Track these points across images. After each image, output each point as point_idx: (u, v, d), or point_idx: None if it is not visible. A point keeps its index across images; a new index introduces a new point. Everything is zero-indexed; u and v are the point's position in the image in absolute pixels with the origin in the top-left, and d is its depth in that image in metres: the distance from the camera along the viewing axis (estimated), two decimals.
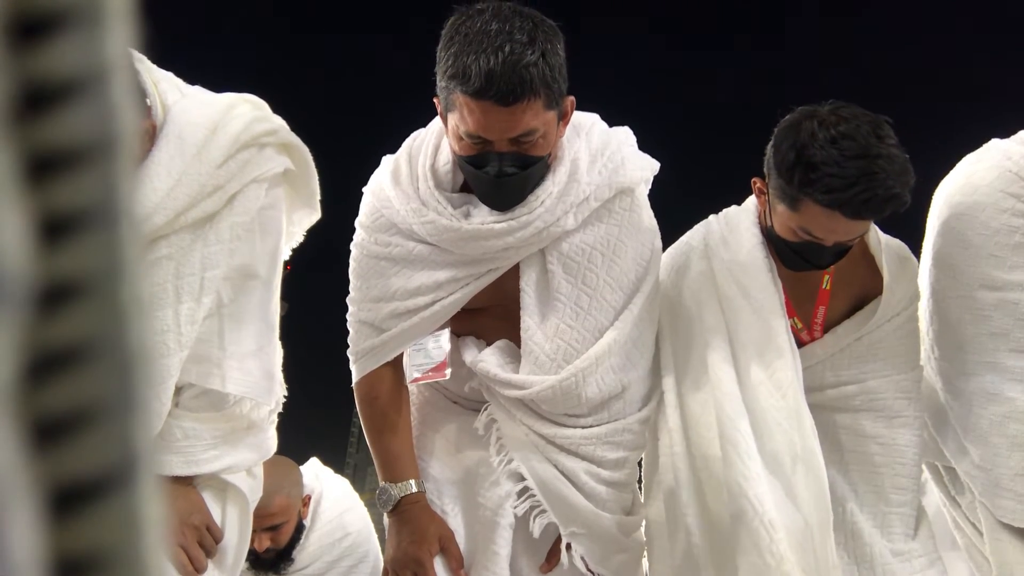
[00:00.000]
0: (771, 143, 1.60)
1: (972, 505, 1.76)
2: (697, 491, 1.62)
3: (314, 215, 1.72)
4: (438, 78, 1.46)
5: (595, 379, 1.56)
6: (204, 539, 1.47)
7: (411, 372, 1.61)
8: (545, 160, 1.51)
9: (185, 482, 1.48)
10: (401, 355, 1.64)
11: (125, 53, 0.27)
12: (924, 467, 1.84)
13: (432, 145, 1.60)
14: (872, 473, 1.69)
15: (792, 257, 1.64)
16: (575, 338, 1.56)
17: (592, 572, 1.59)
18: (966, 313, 1.69)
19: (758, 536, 1.50)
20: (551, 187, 1.54)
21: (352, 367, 1.66)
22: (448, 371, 1.57)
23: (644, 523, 1.71)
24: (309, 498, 2.63)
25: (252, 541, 2.31)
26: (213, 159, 1.42)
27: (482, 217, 1.53)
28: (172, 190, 1.39)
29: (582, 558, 1.58)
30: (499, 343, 1.62)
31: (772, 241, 1.68)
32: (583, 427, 1.58)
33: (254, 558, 2.46)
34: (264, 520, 2.41)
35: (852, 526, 1.65)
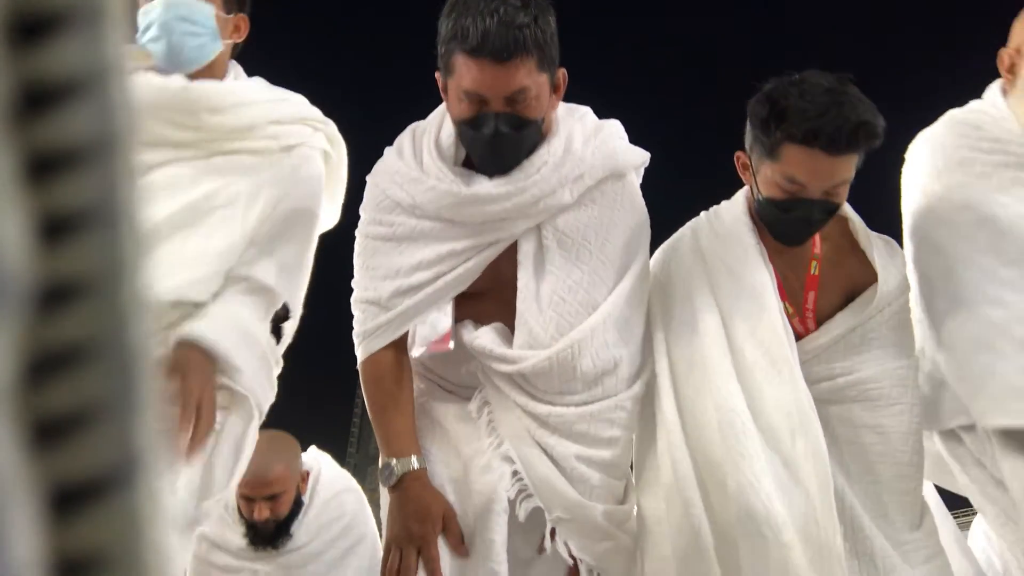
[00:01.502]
0: (748, 117, 1.69)
1: (978, 444, 1.76)
2: (697, 476, 1.61)
3: (333, 215, 1.90)
4: (439, 47, 1.55)
5: (590, 352, 1.58)
6: (201, 414, 1.49)
7: (417, 345, 1.66)
8: (539, 124, 1.58)
9: (210, 358, 1.54)
10: (405, 337, 1.67)
11: (125, 53, 0.27)
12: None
13: (436, 124, 1.69)
14: (870, 463, 1.68)
15: (782, 221, 1.66)
16: (569, 311, 1.60)
17: (575, 559, 1.59)
18: (953, 236, 1.75)
19: (759, 517, 1.51)
20: (547, 156, 1.61)
21: (358, 349, 1.68)
22: (452, 343, 1.62)
23: (636, 513, 1.71)
24: (308, 474, 2.67)
25: (252, 511, 2.50)
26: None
27: (481, 184, 1.60)
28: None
29: (565, 544, 1.58)
30: (495, 324, 1.65)
31: (762, 218, 1.72)
32: (577, 405, 1.59)
33: (253, 532, 2.51)
34: (263, 488, 2.46)
35: (852, 520, 1.64)
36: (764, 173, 1.64)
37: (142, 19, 1.59)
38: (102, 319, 0.26)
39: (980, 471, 1.79)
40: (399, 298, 1.62)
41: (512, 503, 1.58)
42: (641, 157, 1.75)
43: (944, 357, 1.75)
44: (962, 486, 1.89)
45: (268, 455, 2.39)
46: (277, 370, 1.74)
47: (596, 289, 1.63)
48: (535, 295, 1.61)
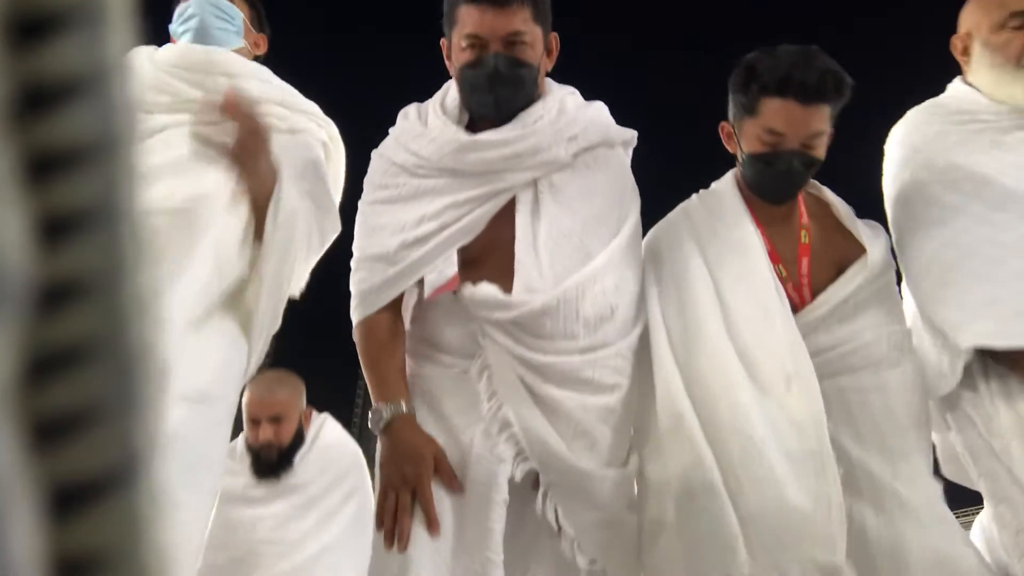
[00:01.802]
0: (728, 89, 1.83)
1: (974, 398, 1.79)
2: (697, 415, 1.64)
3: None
4: (445, 9, 1.74)
5: (591, 296, 1.63)
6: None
7: (427, 289, 1.73)
8: (534, 71, 1.72)
9: None
10: (400, 301, 1.73)
11: (125, 53, 0.27)
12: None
13: (442, 93, 1.83)
14: (878, 423, 1.71)
15: (766, 175, 1.77)
16: (564, 256, 1.65)
17: (560, 527, 1.59)
18: (942, 190, 1.85)
19: (755, 462, 1.56)
20: (542, 112, 1.73)
21: (356, 311, 1.72)
22: (457, 287, 1.67)
23: (636, 481, 1.72)
24: (311, 413, 2.86)
25: (257, 434, 2.70)
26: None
27: (482, 134, 1.71)
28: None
29: (555, 510, 1.59)
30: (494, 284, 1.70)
31: (747, 177, 1.82)
32: (580, 352, 1.62)
33: (258, 463, 2.69)
34: (267, 408, 2.70)
35: (864, 477, 1.66)
36: (746, 132, 1.77)
37: (181, 8, 1.88)
38: (102, 319, 0.26)
39: (977, 437, 1.81)
40: (406, 250, 1.67)
41: (513, 496, 1.58)
42: (630, 133, 1.87)
43: (944, 294, 1.80)
44: (962, 458, 1.89)
45: (273, 383, 2.74)
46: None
47: (590, 239, 1.69)
48: (532, 242, 1.67)
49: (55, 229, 0.25)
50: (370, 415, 1.66)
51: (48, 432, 0.25)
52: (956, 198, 1.82)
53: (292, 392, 2.78)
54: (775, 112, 1.70)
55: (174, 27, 1.88)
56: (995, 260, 1.73)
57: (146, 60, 1.79)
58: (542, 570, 1.64)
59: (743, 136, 1.78)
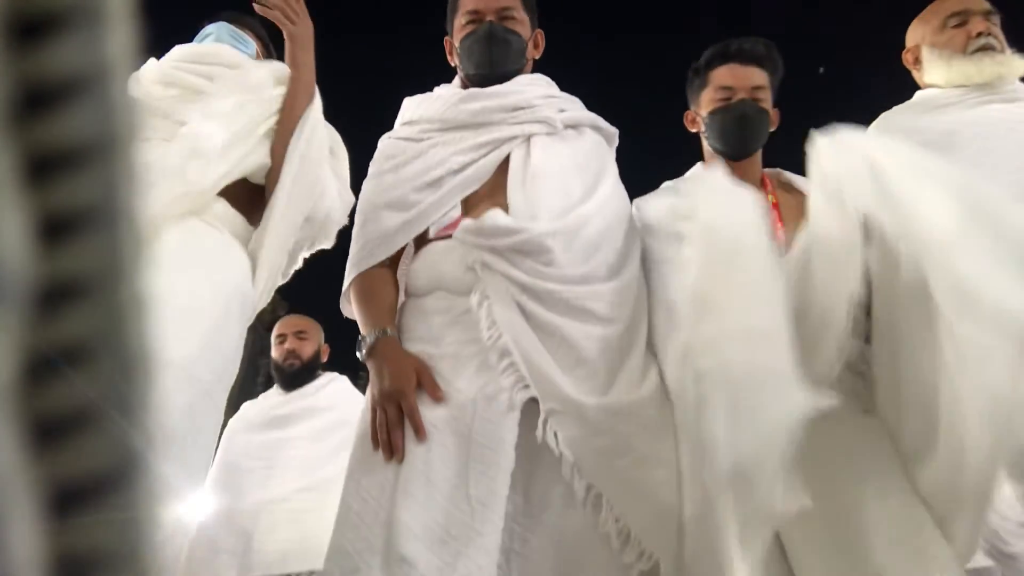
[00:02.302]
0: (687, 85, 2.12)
1: None
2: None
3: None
4: (448, 5, 1.99)
5: (586, 232, 1.72)
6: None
7: (433, 230, 1.81)
8: (523, 43, 1.94)
9: None
10: (398, 261, 1.84)
11: (125, 53, 0.27)
12: None
13: (447, 84, 2.02)
14: None
15: (725, 122, 1.99)
16: (550, 193, 1.76)
17: (563, 453, 1.60)
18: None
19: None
20: (532, 79, 1.95)
21: (356, 264, 1.80)
22: (459, 225, 1.74)
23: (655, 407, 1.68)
24: (328, 349, 3.32)
25: (283, 347, 3.24)
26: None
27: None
28: None
29: (555, 435, 1.59)
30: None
31: (710, 134, 2.02)
32: (578, 282, 1.67)
33: (281, 377, 3.18)
34: (293, 325, 3.25)
35: None
36: (703, 102, 2.03)
37: (203, 31, 2.06)
38: (102, 319, 0.26)
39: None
40: (419, 194, 1.79)
41: (520, 456, 1.59)
42: (614, 128, 2.02)
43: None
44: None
45: (297, 317, 3.34)
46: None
47: (579, 185, 1.81)
48: (522, 181, 1.78)
49: (55, 229, 0.25)
50: (357, 346, 1.74)
51: (48, 432, 0.25)
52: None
53: (315, 325, 3.28)
54: (723, 74, 2.02)
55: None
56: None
57: (152, 60, 1.89)
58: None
59: (702, 106, 2.05)
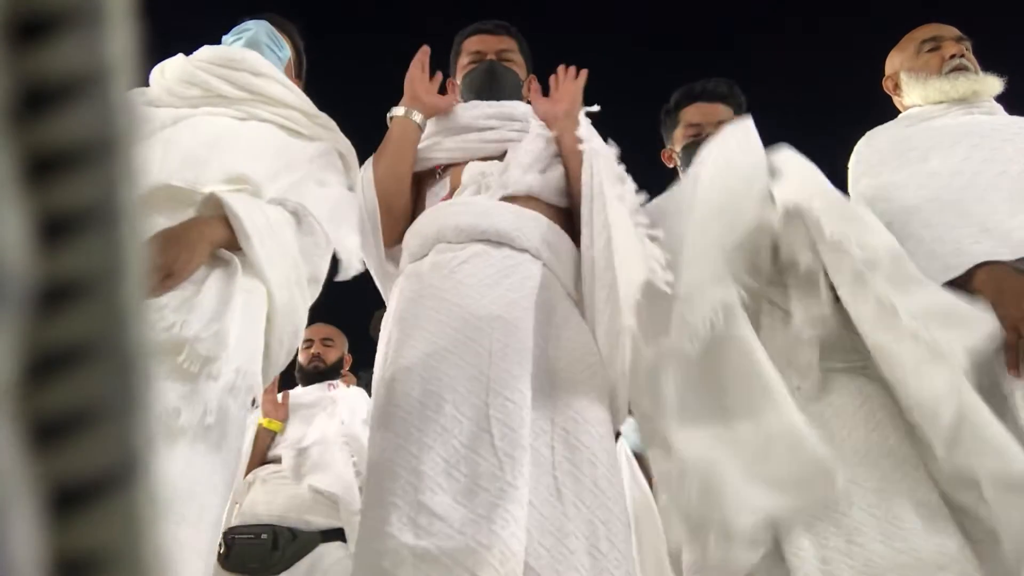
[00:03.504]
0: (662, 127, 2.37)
1: None
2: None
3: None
4: (452, 50, 2.30)
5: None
6: (175, 264, 1.44)
7: (429, 200, 2.02)
8: (520, 80, 2.21)
9: (221, 224, 1.55)
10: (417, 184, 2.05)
11: (125, 53, 0.27)
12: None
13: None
14: None
15: (695, 154, 2.06)
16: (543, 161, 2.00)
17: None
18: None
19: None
20: (525, 105, 2.14)
21: (378, 159, 2.02)
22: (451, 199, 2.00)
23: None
24: (351, 359, 3.54)
25: (309, 352, 3.43)
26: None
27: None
28: None
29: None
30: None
31: (685, 167, 2.15)
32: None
33: (303, 378, 3.36)
34: (321, 331, 3.44)
35: None
36: (676, 138, 2.27)
37: (240, 26, 2.04)
38: (102, 319, 0.26)
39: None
40: (456, 137, 2.04)
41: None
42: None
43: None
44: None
45: (325, 326, 3.49)
46: (314, 291, 1.73)
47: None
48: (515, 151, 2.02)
49: (55, 229, 0.25)
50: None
51: (48, 432, 0.25)
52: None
53: (341, 334, 3.51)
54: (691, 113, 2.27)
55: (227, 39, 2.02)
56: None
57: (180, 56, 1.88)
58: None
59: (675, 143, 2.28)
